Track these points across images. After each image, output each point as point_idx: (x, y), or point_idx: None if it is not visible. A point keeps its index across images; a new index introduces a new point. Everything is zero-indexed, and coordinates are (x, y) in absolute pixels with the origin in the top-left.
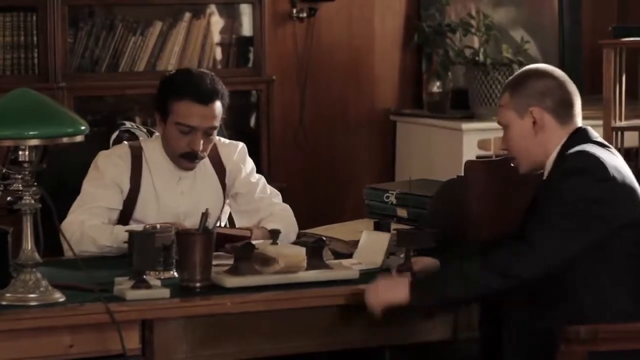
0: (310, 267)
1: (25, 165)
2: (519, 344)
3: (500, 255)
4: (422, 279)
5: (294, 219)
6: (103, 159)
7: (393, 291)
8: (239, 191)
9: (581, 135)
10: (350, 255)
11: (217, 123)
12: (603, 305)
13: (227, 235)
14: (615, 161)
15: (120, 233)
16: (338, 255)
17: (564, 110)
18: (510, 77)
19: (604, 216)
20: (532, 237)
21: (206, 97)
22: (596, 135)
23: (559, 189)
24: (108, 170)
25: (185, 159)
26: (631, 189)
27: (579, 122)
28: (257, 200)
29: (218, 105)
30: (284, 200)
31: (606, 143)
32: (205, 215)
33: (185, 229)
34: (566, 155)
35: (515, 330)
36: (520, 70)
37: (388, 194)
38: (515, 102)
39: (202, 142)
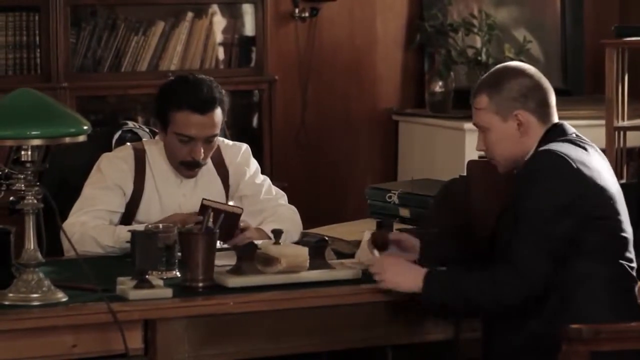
0: (312, 267)
1: (28, 165)
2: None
3: (492, 279)
4: (439, 273)
5: (299, 219)
6: (106, 161)
7: (406, 277)
8: (244, 193)
9: (557, 131)
10: (352, 255)
11: (217, 130)
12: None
13: (218, 210)
14: (584, 157)
15: (123, 233)
16: (340, 255)
17: (544, 109)
18: (483, 78)
19: (573, 216)
20: (515, 258)
21: (205, 106)
22: (573, 130)
23: (527, 196)
24: (111, 173)
25: (185, 167)
26: (599, 186)
27: (556, 117)
28: (262, 202)
29: (217, 112)
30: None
31: (584, 138)
32: (207, 215)
33: (187, 227)
34: (533, 154)
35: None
36: (492, 70)
37: (390, 194)
38: (496, 105)
39: (202, 149)
